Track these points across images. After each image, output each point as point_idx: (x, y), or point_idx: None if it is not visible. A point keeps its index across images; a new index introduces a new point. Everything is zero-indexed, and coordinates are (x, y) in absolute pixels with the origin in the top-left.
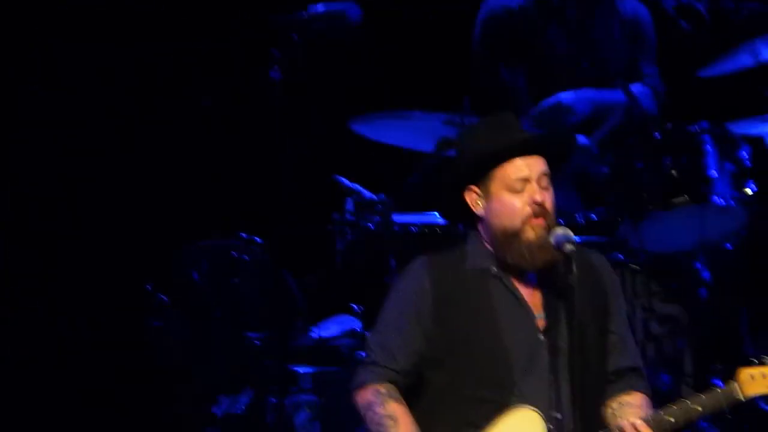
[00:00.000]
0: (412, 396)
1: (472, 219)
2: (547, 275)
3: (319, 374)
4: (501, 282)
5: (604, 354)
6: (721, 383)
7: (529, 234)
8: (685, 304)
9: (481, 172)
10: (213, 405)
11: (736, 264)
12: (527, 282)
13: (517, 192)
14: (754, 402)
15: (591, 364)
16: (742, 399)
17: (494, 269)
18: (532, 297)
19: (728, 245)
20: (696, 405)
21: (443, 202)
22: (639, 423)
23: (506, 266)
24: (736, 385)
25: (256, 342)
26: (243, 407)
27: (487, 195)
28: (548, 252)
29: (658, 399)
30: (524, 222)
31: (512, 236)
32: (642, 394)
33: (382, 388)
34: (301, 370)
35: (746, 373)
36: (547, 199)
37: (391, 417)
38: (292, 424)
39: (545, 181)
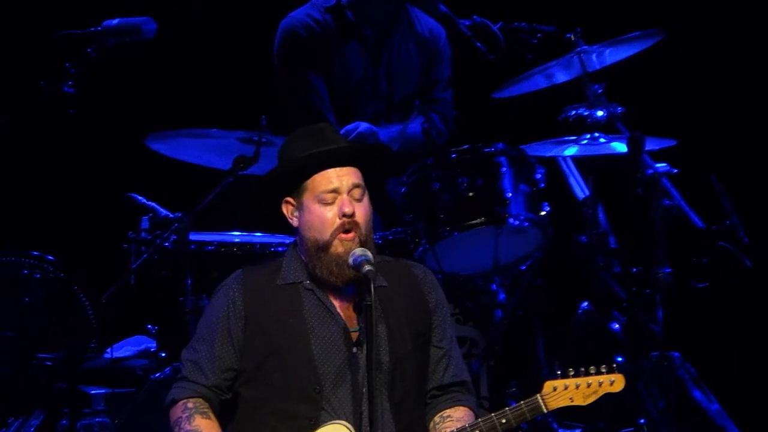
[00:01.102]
0: (228, 411)
1: (293, 231)
2: (365, 288)
3: (113, 396)
4: (314, 295)
5: (425, 368)
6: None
7: (339, 248)
8: (481, 326)
9: (293, 183)
10: (2, 428)
11: (530, 285)
12: (343, 295)
13: (328, 204)
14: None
15: (408, 377)
16: (545, 410)
17: (307, 282)
18: (347, 310)
19: (523, 266)
20: (501, 418)
21: (265, 214)
22: None
23: (321, 279)
24: (539, 397)
25: (47, 363)
26: (33, 430)
27: (300, 206)
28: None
29: None
30: (333, 235)
31: (322, 249)
32: (466, 408)
33: (190, 403)
34: (94, 391)
35: (550, 386)
36: (360, 211)
37: (196, 431)
38: None
39: (358, 193)
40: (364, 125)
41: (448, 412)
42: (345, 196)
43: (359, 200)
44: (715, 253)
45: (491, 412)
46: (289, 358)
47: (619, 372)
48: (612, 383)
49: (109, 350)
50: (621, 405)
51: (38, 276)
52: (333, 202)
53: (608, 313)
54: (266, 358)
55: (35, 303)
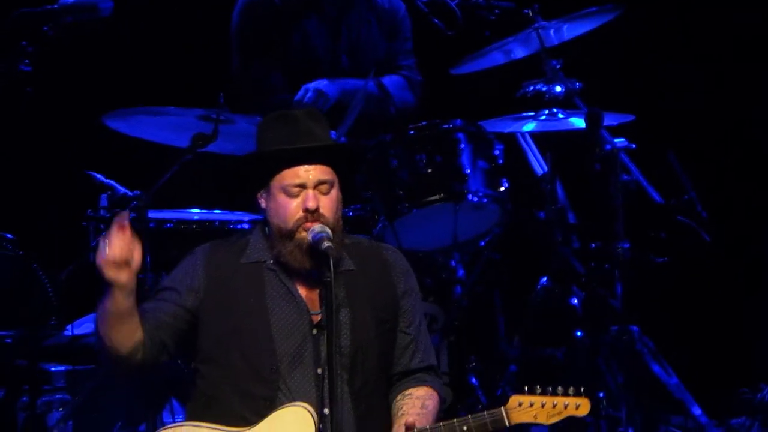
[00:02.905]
0: (188, 388)
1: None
2: (325, 265)
3: (73, 372)
4: (276, 275)
5: (389, 355)
6: (476, 381)
7: (303, 235)
8: (441, 302)
9: (264, 170)
10: None
11: (489, 261)
12: (306, 278)
13: (293, 196)
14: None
15: (369, 363)
16: (507, 424)
17: (270, 262)
18: (309, 293)
19: (482, 243)
20: (463, 425)
21: (242, 192)
22: None
23: (285, 263)
24: (503, 410)
25: (7, 340)
26: None
27: (268, 194)
28: (319, 254)
29: None
30: (296, 225)
31: (286, 237)
32: (429, 387)
33: None
34: (55, 368)
35: (515, 400)
36: (324, 203)
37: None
38: (45, 423)
39: (325, 188)
40: (312, 85)
41: (410, 390)
42: (311, 191)
43: (326, 194)
44: (674, 228)
45: (451, 388)
46: (248, 336)
47: (586, 396)
48: (578, 407)
49: (69, 327)
50: (580, 379)
51: None
52: (298, 195)
53: (567, 288)
54: (225, 336)
55: None
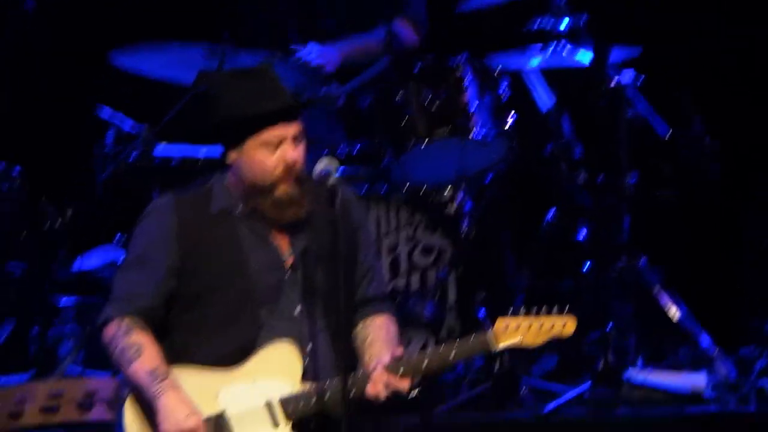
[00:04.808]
0: (165, 334)
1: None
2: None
3: (82, 304)
4: (247, 221)
5: (354, 289)
6: (483, 313)
7: (281, 190)
8: (448, 235)
9: (244, 133)
10: None
11: (496, 195)
12: (277, 224)
13: (271, 150)
14: None
15: (342, 295)
16: (494, 348)
17: (240, 209)
18: (281, 237)
19: (489, 177)
20: (450, 350)
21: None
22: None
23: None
24: (490, 334)
25: (16, 272)
26: (4, 338)
27: (242, 148)
28: (297, 207)
29: (423, 328)
30: (275, 180)
31: (262, 191)
32: (386, 315)
33: (125, 320)
34: (64, 300)
35: (502, 323)
36: (300, 155)
37: (136, 345)
38: (56, 354)
39: (299, 140)
40: (315, 53)
41: (370, 318)
42: (288, 143)
43: (298, 145)
44: (680, 162)
45: (458, 321)
46: (227, 284)
47: (570, 315)
48: (564, 325)
49: (77, 260)
50: (588, 311)
51: (5, 187)
52: (277, 149)
53: (574, 222)
54: (204, 285)
55: (2, 215)
